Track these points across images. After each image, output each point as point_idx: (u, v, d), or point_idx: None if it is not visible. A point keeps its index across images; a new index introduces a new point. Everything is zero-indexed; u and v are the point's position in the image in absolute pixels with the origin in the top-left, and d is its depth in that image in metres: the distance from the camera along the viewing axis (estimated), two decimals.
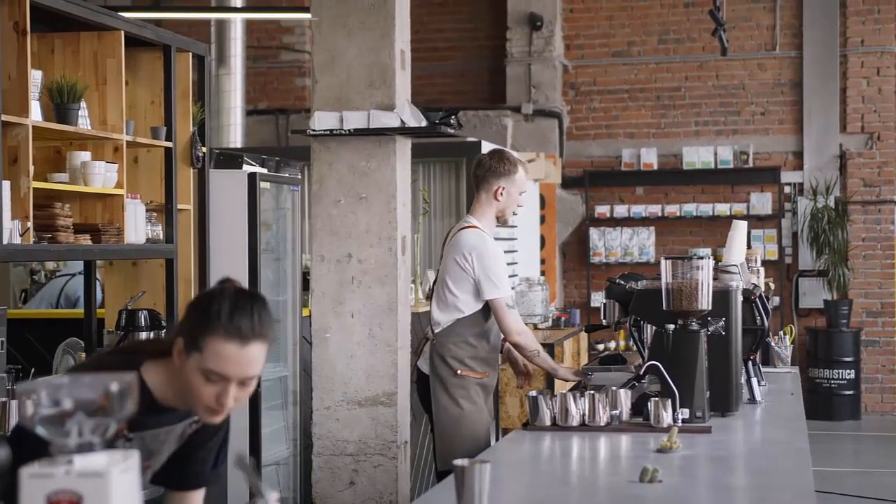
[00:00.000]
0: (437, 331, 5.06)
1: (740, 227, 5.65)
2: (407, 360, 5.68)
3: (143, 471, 2.76)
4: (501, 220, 5.17)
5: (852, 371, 12.01)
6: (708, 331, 4.47)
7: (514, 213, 5.22)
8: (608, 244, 12.67)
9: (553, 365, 5.07)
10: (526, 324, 9.94)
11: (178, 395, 2.67)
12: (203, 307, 2.59)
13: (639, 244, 12.60)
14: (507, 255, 9.87)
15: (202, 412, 2.64)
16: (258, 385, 6.10)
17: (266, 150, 10.18)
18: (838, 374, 11.99)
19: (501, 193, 5.08)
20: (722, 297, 4.57)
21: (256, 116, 13.03)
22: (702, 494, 3.29)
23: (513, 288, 9.71)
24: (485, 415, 5.09)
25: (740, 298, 4.72)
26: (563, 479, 3.65)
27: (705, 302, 4.40)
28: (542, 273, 11.99)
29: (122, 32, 5.09)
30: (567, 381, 4.92)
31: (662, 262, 4.46)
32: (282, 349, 6.66)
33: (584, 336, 11.02)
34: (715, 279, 5.11)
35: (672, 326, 4.40)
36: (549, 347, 9.04)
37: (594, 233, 12.68)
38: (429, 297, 8.33)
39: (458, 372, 5.01)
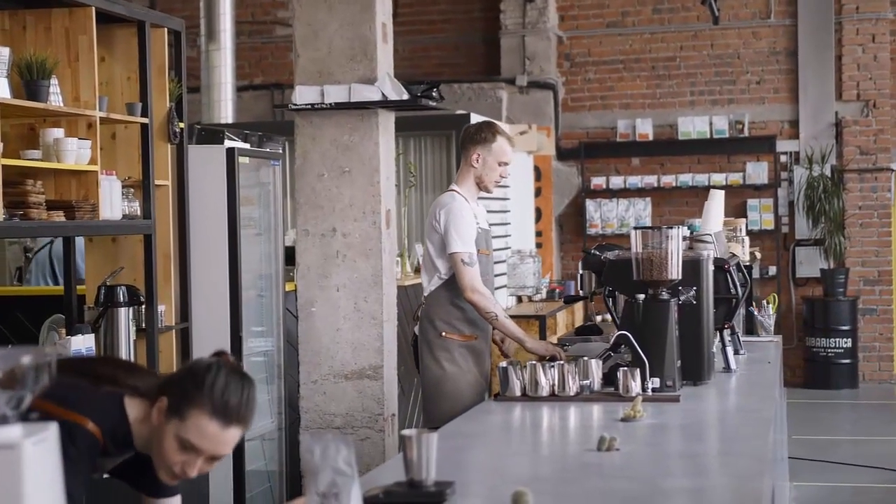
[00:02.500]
0: (425, 294, 5.20)
1: (717, 197, 5.65)
2: (393, 333, 5.70)
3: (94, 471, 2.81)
4: (482, 188, 5.24)
5: (849, 340, 12.01)
6: (678, 300, 4.48)
7: (498, 183, 5.28)
8: (604, 215, 12.66)
9: (520, 335, 5.05)
10: (519, 296, 10.03)
11: (147, 444, 2.72)
12: (197, 377, 2.64)
13: (635, 215, 12.59)
14: (499, 228, 9.92)
15: (163, 472, 2.71)
16: (240, 359, 6.14)
17: (254, 125, 10.19)
18: (835, 342, 11.99)
19: (477, 160, 5.19)
20: (693, 266, 4.57)
21: (252, 91, 13.03)
22: (654, 461, 3.31)
23: (503, 261, 9.73)
24: (471, 378, 5.13)
25: (711, 267, 4.72)
26: (521, 448, 3.68)
27: (675, 271, 4.41)
28: (539, 245, 11.99)
29: (93, 8, 5.08)
30: (536, 354, 4.90)
31: (632, 232, 4.47)
32: (266, 323, 6.68)
33: (579, 307, 11.03)
34: (690, 248, 5.13)
35: (642, 296, 4.41)
36: (542, 319, 9.06)
37: (590, 204, 12.67)
38: (417, 270, 8.38)
39: (443, 334, 5.12)
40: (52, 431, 1.85)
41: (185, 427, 2.61)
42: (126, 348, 5.37)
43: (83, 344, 5.14)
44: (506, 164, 5.22)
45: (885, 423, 10.44)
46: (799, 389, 11.91)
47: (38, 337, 5.95)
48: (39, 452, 1.80)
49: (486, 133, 5.21)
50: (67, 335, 5.22)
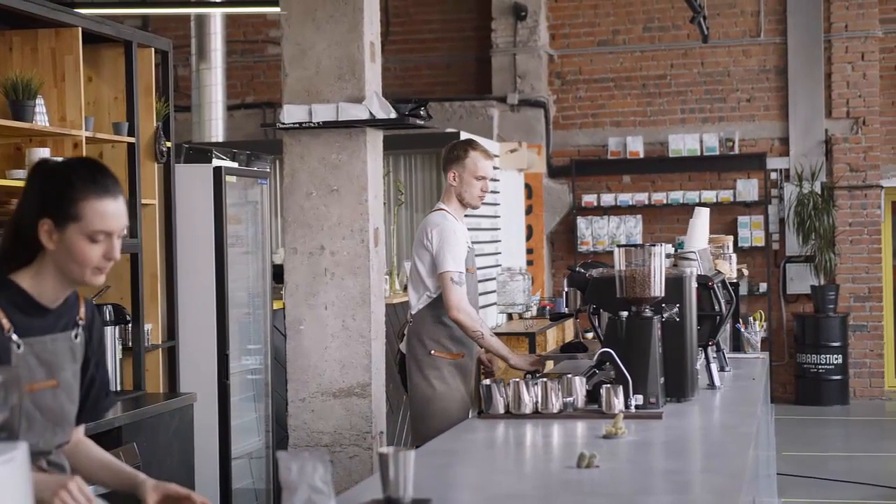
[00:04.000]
0: (412, 312, 5.25)
1: (702, 214, 5.67)
2: (381, 351, 5.71)
3: (53, 389, 2.84)
4: (466, 205, 5.29)
5: (840, 356, 12.02)
6: (662, 317, 4.49)
7: (481, 198, 5.32)
8: (595, 233, 12.68)
9: (505, 353, 5.14)
10: (509, 314, 10.03)
11: (56, 284, 2.77)
12: (62, 182, 2.75)
13: (626, 232, 12.61)
14: (489, 245, 9.94)
15: (90, 276, 2.76)
16: (227, 377, 6.14)
17: (244, 143, 10.22)
18: (826, 359, 12.00)
19: (454, 178, 5.30)
20: (676, 283, 4.58)
21: (244, 110, 13.05)
22: (634, 478, 3.32)
23: (493, 278, 9.74)
24: (459, 396, 5.18)
25: (694, 285, 4.73)
26: (503, 466, 3.68)
27: (658, 289, 4.42)
28: (530, 263, 12.02)
29: (80, 29, 5.11)
30: (520, 369, 4.98)
31: (615, 249, 4.49)
32: (254, 341, 6.69)
33: (570, 324, 11.05)
34: (674, 266, 5.14)
35: (625, 313, 4.42)
36: (531, 336, 9.08)
37: (581, 222, 12.69)
38: (406, 287, 8.40)
39: (432, 352, 5.19)
40: (21, 451, 1.87)
41: (85, 223, 2.71)
42: (112, 367, 5.37)
43: None
44: (483, 178, 5.27)
45: (876, 440, 10.45)
46: (790, 406, 11.93)
47: None
48: (7, 472, 1.81)
49: (458, 151, 5.31)
50: None
